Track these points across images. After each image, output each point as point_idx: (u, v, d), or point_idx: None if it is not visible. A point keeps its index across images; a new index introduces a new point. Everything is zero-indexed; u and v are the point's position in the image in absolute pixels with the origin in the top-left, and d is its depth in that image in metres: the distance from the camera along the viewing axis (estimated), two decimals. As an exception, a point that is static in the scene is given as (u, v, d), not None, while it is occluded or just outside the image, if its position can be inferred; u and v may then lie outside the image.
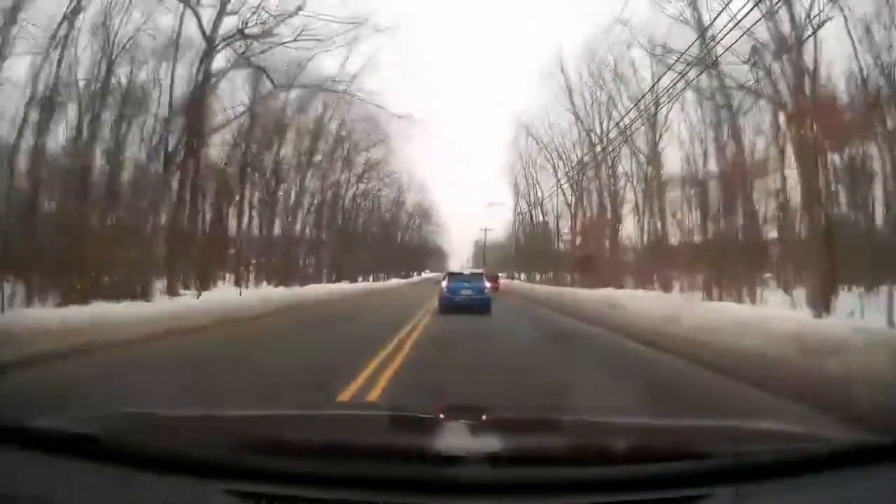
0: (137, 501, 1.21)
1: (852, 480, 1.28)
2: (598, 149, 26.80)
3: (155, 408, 1.94)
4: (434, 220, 62.99)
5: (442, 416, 1.93)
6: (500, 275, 38.83)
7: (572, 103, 28.96)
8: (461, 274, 17.53)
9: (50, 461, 1.29)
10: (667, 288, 20.60)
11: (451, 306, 15.25)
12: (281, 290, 22.10)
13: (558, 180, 32.24)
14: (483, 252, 61.53)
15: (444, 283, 16.36)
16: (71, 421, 1.50)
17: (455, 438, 1.65)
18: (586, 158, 27.45)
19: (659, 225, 24.53)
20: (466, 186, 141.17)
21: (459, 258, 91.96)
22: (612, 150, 25.15)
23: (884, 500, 1.25)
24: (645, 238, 25.63)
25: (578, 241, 29.48)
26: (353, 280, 38.32)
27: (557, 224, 36.07)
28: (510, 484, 1.22)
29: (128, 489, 1.22)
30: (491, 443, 1.54)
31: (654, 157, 24.91)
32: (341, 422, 1.96)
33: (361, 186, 37.31)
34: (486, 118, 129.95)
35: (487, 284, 16.50)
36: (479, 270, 20.98)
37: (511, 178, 43.16)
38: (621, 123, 24.45)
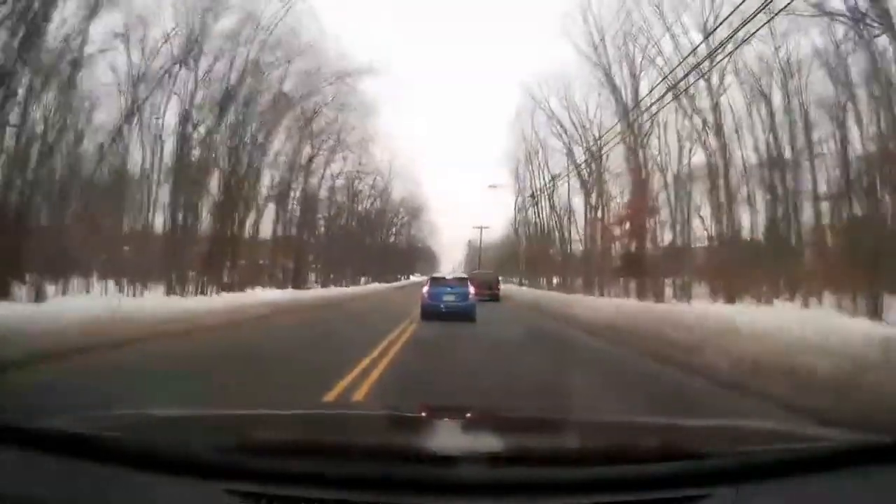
0: (137, 501, 1.24)
1: (852, 480, 1.31)
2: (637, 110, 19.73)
3: (154, 408, 1.94)
4: (424, 219, 56.44)
5: (439, 416, 1.97)
6: (499, 278, 31.52)
7: (597, 48, 22.06)
8: (444, 279, 17.39)
9: (50, 461, 1.33)
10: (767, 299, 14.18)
11: (433, 313, 15.41)
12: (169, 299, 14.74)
13: (573, 161, 25.31)
14: (479, 253, 55.51)
15: (426, 289, 16.49)
16: (71, 421, 1.54)
17: (454, 439, 1.70)
18: (614, 130, 20.27)
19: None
20: (460, 185, 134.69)
21: (452, 261, 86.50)
22: (655, 113, 18.21)
23: (884, 500, 1.29)
24: (710, 231, 19.01)
25: (614, 234, 22.52)
26: (326, 284, 31.08)
27: (570, 218, 29.36)
28: (509, 484, 1.26)
29: (128, 489, 1.25)
30: (490, 443, 1.60)
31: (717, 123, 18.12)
32: (341, 422, 2.00)
33: (335, 168, 30.00)
34: (483, 108, 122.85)
35: (472, 290, 16.49)
36: (464, 275, 20.68)
37: (513, 166, 36.40)
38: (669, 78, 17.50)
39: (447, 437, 1.75)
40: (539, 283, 39.26)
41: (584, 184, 29.15)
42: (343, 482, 1.24)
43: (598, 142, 24.82)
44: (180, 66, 19.93)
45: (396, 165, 41.89)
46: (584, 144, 27.58)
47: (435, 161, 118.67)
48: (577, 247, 31.99)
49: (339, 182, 35.12)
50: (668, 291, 22.66)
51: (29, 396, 5.31)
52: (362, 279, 45.56)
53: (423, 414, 2.11)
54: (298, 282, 29.12)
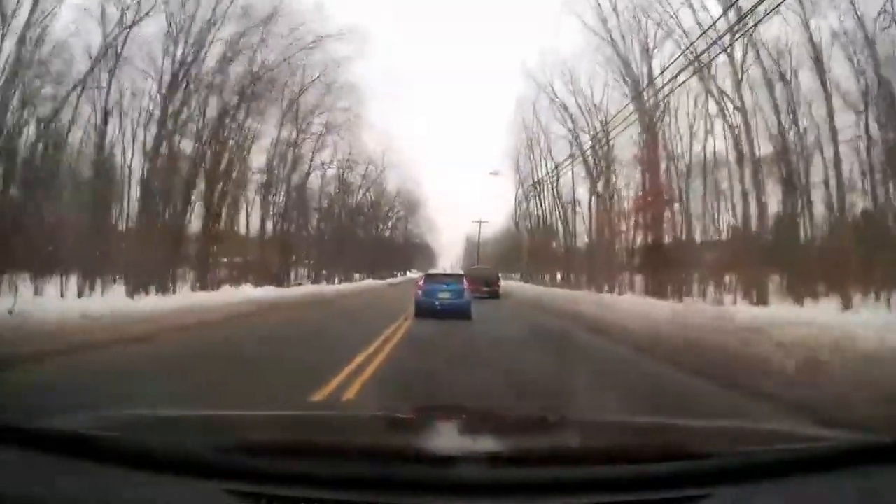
0: (137, 501, 1.26)
1: (852, 480, 1.33)
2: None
3: (154, 408, 2.01)
4: (422, 215, 55.26)
5: (438, 417, 2.01)
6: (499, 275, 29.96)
7: (606, 20, 20.71)
8: (439, 275, 17.32)
9: (50, 461, 1.35)
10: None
11: (428, 310, 15.17)
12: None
13: (579, 146, 23.75)
14: (477, 248, 54.06)
15: (420, 286, 16.39)
16: (71, 421, 1.57)
17: (453, 439, 1.73)
18: (625, 112, 18.71)
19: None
20: (459, 185, 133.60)
21: (450, 257, 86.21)
22: (672, 91, 16.65)
23: (884, 500, 1.31)
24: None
25: (628, 225, 21.03)
26: (318, 280, 29.44)
27: (574, 209, 27.97)
28: (509, 484, 1.27)
29: (127, 489, 1.27)
30: (490, 443, 1.62)
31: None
32: (340, 423, 2.03)
33: (325, 156, 28.33)
34: (483, 107, 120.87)
35: (467, 286, 16.26)
36: (459, 272, 20.66)
37: (513, 159, 35.02)
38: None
39: (446, 438, 1.76)
40: (541, 279, 37.63)
41: (589, 172, 27.50)
42: (342, 482, 1.26)
43: (605, 126, 23.19)
44: (127, 28, 18.11)
45: (393, 158, 40.29)
46: (591, 129, 25.89)
47: (434, 161, 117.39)
48: (582, 240, 30.43)
49: (330, 171, 33.39)
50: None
51: None
52: (356, 276, 43.93)
53: (422, 414, 2.12)
54: (282, 278, 27.29)
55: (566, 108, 28.00)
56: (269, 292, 21.42)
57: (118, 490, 1.25)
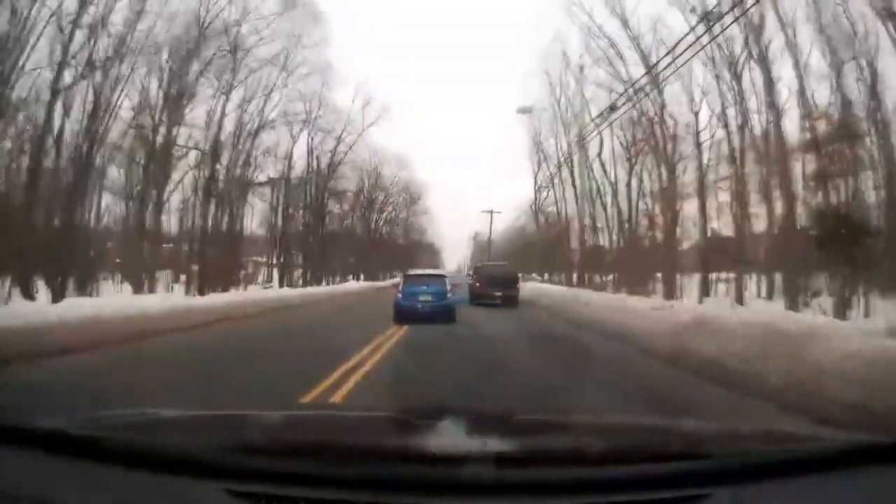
0: (137, 501, 1.30)
1: (852, 480, 1.37)
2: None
3: (155, 408, 1.96)
4: (423, 211, 49.03)
5: (440, 418, 2.02)
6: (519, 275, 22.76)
7: None
8: (420, 275, 16.62)
9: (50, 461, 1.38)
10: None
11: (408, 314, 14.61)
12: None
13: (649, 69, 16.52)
14: (489, 241, 48.64)
15: (399, 287, 16.01)
16: (71, 421, 1.60)
17: (455, 439, 1.76)
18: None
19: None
20: (466, 184, 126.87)
21: (455, 258, 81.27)
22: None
23: (884, 500, 1.34)
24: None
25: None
26: (308, 283, 22.04)
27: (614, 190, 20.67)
28: (510, 484, 1.31)
29: (128, 489, 1.30)
30: (492, 443, 1.65)
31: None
32: (341, 423, 2.05)
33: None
34: (492, 101, 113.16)
35: (450, 286, 15.66)
36: (441, 272, 19.61)
37: (532, 128, 28.19)
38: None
39: (448, 438, 1.77)
40: (567, 278, 29.68)
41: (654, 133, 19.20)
42: (342, 482, 1.29)
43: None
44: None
45: (381, 126, 32.20)
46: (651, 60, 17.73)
47: (438, 160, 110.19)
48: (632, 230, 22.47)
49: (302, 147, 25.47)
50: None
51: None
52: (350, 277, 36.26)
53: (423, 414, 2.14)
54: (204, 282, 19.34)
55: (612, 42, 20.30)
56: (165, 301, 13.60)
57: (118, 490, 1.27)
